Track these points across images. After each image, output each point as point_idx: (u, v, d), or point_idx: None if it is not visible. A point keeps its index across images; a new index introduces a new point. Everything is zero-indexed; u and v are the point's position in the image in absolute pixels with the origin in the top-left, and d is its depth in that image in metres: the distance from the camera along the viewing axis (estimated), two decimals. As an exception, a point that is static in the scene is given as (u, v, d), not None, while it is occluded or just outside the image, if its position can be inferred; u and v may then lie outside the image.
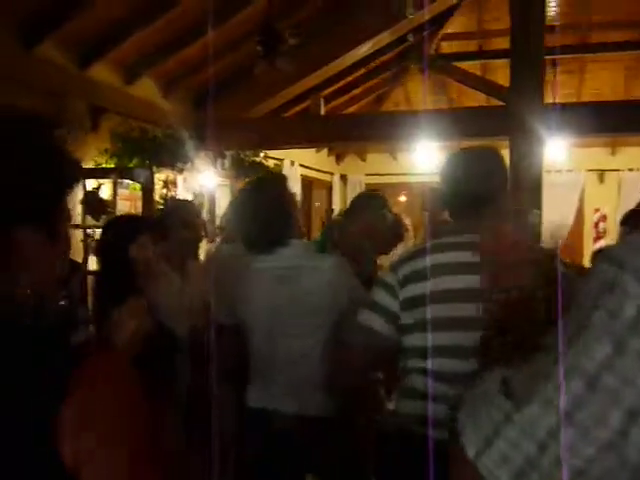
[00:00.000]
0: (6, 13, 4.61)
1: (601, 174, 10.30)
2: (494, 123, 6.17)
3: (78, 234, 5.05)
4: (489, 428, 0.70)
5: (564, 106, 6.15)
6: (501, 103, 6.85)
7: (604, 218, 10.25)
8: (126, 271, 2.59)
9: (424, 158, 8.76)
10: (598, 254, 2.23)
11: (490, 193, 1.98)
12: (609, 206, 10.19)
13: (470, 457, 0.70)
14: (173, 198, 5.54)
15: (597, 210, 10.33)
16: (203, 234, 3.98)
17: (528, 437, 0.67)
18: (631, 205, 12.18)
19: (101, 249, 2.95)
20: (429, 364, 1.82)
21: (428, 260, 1.85)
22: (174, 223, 3.46)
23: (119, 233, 2.77)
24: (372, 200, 3.56)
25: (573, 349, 0.69)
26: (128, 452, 0.84)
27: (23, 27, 4.82)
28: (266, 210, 2.48)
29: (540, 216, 5.41)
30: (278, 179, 2.82)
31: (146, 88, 6.29)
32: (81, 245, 5.04)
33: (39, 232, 0.89)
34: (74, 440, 0.79)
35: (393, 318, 1.93)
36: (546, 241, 6.42)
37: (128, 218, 3.45)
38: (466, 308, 1.79)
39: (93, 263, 5.30)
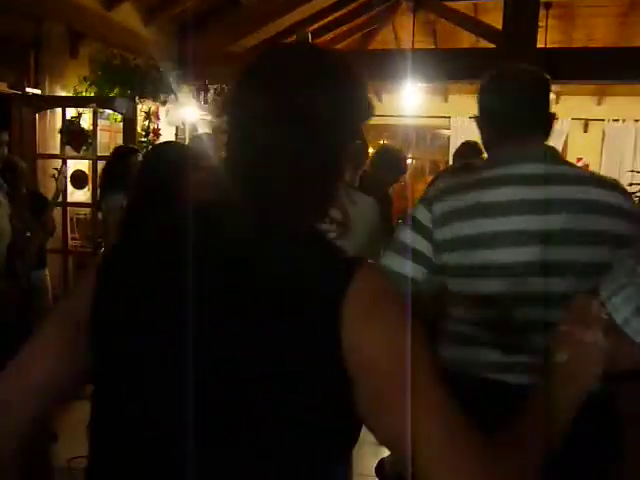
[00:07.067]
0: None
1: (585, 123, 10.26)
2: (484, 65, 6.05)
3: (57, 164, 4.92)
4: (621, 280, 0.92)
5: (555, 50, 6.06)
6: (492, 45, 6.71)
7: (586, 167, 10.24)
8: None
9: (409, 100, 8.63)
10: None
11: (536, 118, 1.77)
12: (592, 155, 10.19)
13: (602, 299, 0.91)
14: None
15: (579, 159, 10.31)
16: None
17: None
18: (613, 156, 12.20)
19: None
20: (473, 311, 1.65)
21: (476, 196, 1.65)
22: None
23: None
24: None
25: None
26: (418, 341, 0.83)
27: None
28: None
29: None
30: None
31: (127, 14, 6.05)
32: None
33: None
34: (361, 330, 0.81)
35: (426, 261, 1.69)
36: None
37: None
38: (520, 252, 1.59)
39: (72, 193, 5.21)
